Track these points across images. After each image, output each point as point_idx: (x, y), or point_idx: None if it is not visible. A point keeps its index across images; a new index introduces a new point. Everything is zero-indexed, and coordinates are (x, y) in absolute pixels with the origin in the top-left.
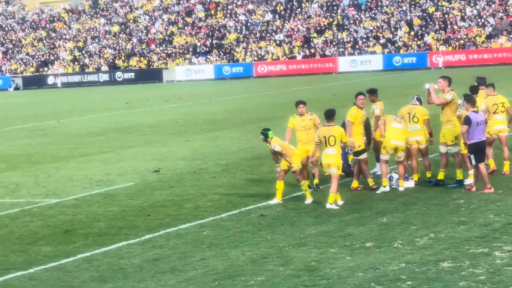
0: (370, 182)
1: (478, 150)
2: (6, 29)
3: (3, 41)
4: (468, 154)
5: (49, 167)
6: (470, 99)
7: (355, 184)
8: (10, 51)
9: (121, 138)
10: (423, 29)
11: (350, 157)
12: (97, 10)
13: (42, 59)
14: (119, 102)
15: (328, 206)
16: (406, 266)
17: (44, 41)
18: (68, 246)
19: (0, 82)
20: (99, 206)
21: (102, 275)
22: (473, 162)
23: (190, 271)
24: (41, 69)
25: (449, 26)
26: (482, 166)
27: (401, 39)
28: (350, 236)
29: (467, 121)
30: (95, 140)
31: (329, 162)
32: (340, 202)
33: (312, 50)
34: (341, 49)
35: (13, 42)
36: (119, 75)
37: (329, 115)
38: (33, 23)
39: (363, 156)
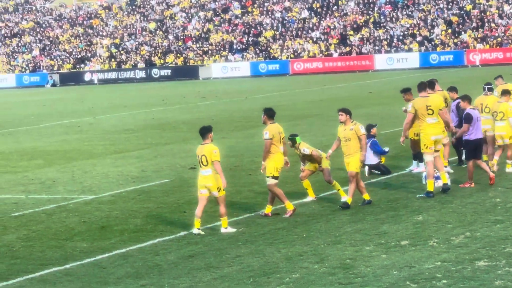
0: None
1: (474, 147)
2: (44, 26)
3: (41, 38)
4: (462, 149)
5: (85, 164)
6: (466, 97)
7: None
8: (47, 48)
9: (157, 134)
10: (460, 26)
11: (383, 159)
12: (134, 7)
13: (79, 56)
14: (155, 98)
15: (223, 230)
16: (441, 265)
17: (81, 38)
18: (103, 242)
19: (37, 79)
20: (134, 203)
21: (137, 271)
22: (464, 157)
23: (225, 268)
24: (78, 66)
25: (486, 24)
26: (472, 163)
27: (438, 37)
28: (386, 234)
29: (468, 118)
30: (131, 137)
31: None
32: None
33: (348, 48)
34: (377, 47)
35: (51, 39)
36: (155, 72)
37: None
38: (70, 20)
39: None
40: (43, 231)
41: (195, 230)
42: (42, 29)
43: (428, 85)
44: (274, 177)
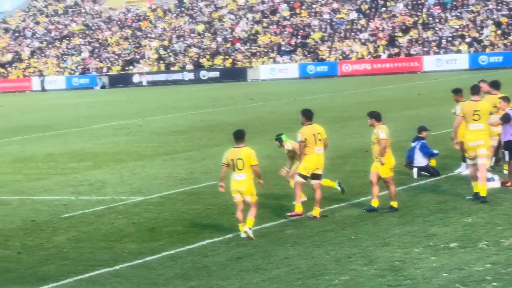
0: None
1: None
2: (93, 28)
3: (90, 40)
4: (503, 150)
5: (134, 165)
6: (506, 98)
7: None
8: (96, 50)
9: (205, 136)
10: (510, 27)
11: (433, 161)
12: (183, 9)
13: (128, 58)
14: (203, 100)
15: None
16: (491, 267)
17: (130, 40)
18: (152, 244)
19: (87, 81)
20: (183, 204)
21: (186, 272)
22: (507, 158)
23: (274, 269)
24: (126, 68)
25: None
26: None
27: (487, 38)
28: (434, 236)
29: (506, 118)
30: (180, 139)
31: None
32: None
33: (397, 49)
34: (426, 48)
35: (100, 41)
36: (203, 73)
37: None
38: (119, 22)
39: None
40: (92, 232)
41: (242, 234)
42: (91, 32)
43: (491, 85)
44: (302, 176)
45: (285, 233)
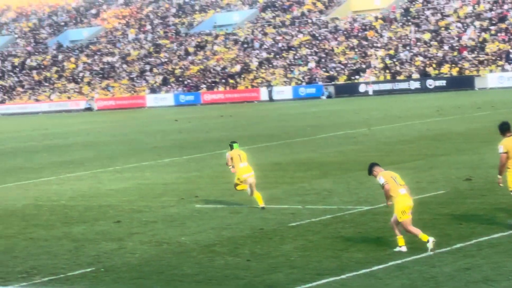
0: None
1: None
2: (319, 38)
3: (317, 50)
4: None
5: (360, 175)
6: None
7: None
8: (323, 60)
9: (432, 145)
10: None
11: None
12: (409, 18)
13: (354, 67)
14: (430, 109)
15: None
16: None
17: (356, 50)
18: (379, 253)
19: (313, 91)
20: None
21: (413, 283)
22: None
23: (504, 281)
24: (352, 77)
25: None
26: None
27: None
28: None
29: None
30: (406, 148)
31: None
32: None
33: None
34: None
35: (326, 51)
36: (430, 82)
37: None
38: (345, 32)
39: None
40: (319, 241)
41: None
42: (317, 42)
43: None
44: None
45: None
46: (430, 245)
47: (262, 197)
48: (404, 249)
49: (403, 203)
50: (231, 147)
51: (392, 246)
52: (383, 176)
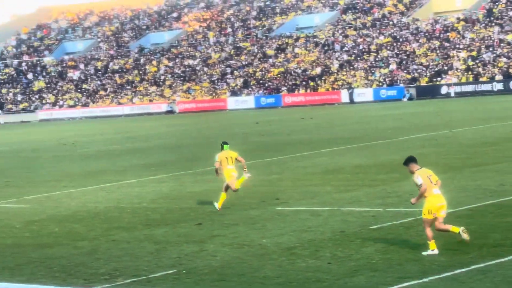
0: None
1: None
2: (401, 40)
3: (398, 52)
4: None
5: (442, 178)
6: None
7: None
8: (404, 62)
9: None
10: None
11: None
12: (492, 18)
13: (436, 69)
14: None
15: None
16: None
17: (438, 51)
18: (461, 257)
19: (394, 93)
20: (493, 217)
21: (497, 287)
22: None
23: None
24: (434, 79)
25: None
26: None
27: None
28: None
29: None
30: (489, 150)
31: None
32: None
33: None
34: None
35: (407, 52)
36: None
37: None
38: (426, 34)
39: None
40: (401, 244)
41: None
42: (398, 44)
43: None
44: None
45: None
46: (464, 237)
47: (223, 201)
48: (436, 251)
49: (432, 203)
50: (222, 147)
51: (474, 250)
52: (421, 176)
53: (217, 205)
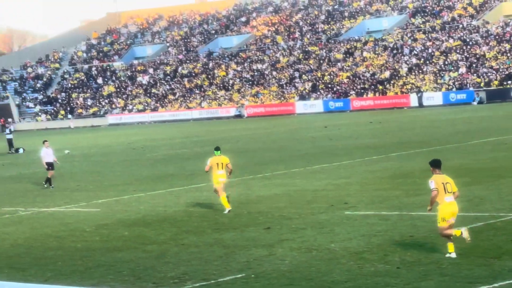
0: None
1: None
2: (470, 43)
3: (467, 56)
4: None
5: None
6: None
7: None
8: (474, 65)
9: None
10: None
11: None
12: None
13: (506, 72)
14: None
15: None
16: None
17: (508, 54)
18: None
19: (463, 96)
20: None
21: None
22: None
23: None
24: (504, 82)
25: None
26: None
27: None
28: None
29: None
30: None
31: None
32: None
33: None
34: None
35: (477, 56)
36: None
37: None
38: (497, 37)
39: None
40: (471, 249)
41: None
42: (468, 47)
43: None
44: None
45: None
46: (465, 236)
47: (227, 201)
48: (453, 255)
49: (445, 211)
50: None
51: None
52: (435, 181)
53: (227, 208)
